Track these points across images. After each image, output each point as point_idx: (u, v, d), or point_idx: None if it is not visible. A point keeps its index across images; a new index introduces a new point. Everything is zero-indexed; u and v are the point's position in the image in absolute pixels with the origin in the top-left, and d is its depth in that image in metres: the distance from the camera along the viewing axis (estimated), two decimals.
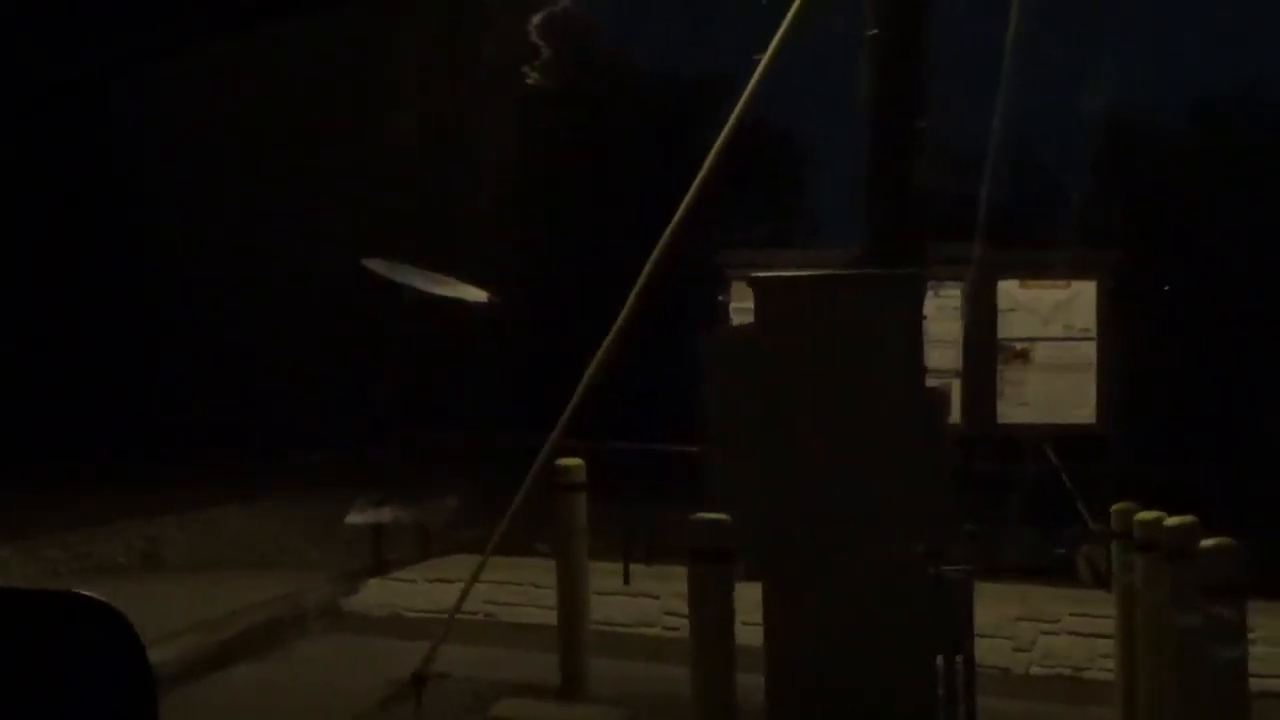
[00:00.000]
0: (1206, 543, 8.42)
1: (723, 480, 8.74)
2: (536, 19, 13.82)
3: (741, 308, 12.60)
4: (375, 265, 15.19)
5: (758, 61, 9.99)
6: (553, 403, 10.70)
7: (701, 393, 8.98)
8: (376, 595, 14.06)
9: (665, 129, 22.51)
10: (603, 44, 23.58)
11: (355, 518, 14.80)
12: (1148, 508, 9.73)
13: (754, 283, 9.00)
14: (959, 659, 8.37)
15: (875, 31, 9.48)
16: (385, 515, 14.81)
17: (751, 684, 8.63)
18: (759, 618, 8.66)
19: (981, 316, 13.54)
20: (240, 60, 16.25)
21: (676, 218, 10.11)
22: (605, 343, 10.32)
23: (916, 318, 8.73)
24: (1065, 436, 13.80)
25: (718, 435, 8.83)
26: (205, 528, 16.59)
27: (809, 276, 9.14)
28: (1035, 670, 11.86)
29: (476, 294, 15.86)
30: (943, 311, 13.28)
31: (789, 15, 9.75)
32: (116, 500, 16.70)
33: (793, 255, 15.35)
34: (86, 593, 2.41)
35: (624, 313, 10.23)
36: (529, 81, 14.92)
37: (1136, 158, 24.30)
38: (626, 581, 13.26)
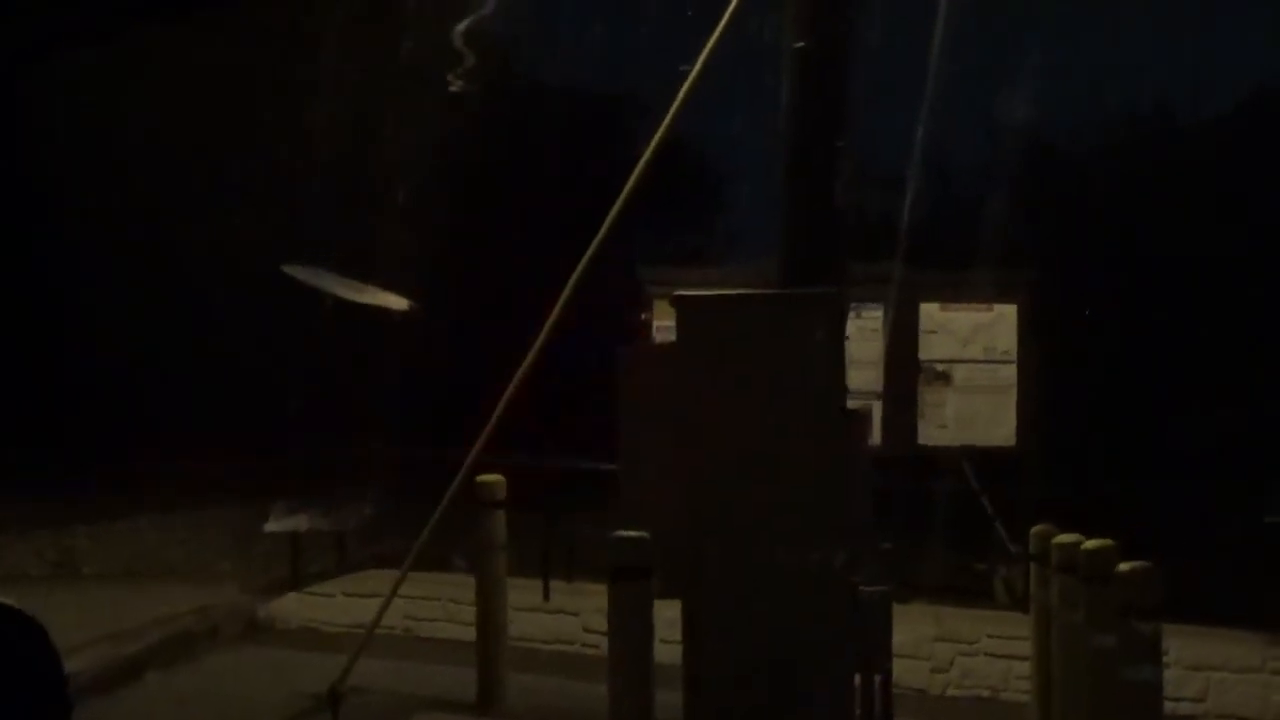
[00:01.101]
0: (1123, 566, 8.47)
1: (638, 497, 8.71)
2: (461, 25, 13.72)
3: (664, 325, 12.59)
4: (295, 271, 15.12)
5: (683, 74, 9.95)
6: (471, 416, 10.64)
7: (619, 408, 8.94)
8: (294, 608, 13.97)
9: (587, 141, 22.50)
10: (522, 55, 23.56)
11: (273, 524, 14.74)
12: (1066, 530, 9.77)
13: (676, 300, 8.98)
14: (876, 679, 8.38)
15: (801, 44, 9.45)
16: (302, 522, 14.74)
17: (670, 701, 8.61)
18: (678, 635, 8.63)
19: (902, 338, 13.57)
20: (154, 54, 16.12)
21: (601, 232, 10.07)
22: (527, 357, 10.28)
23: (838, 338, 8.73)
24: (985, 458, 13.84)
25: (633, 451, 8.80)
26: (118, 537, 16.45)
27: (731, 295, 9.12)
28: (953, 691, 11.92)
29: (397, 302, 15.82)
30: (864, 332, 13.31)
31: (719, 26, 9.73)
32: (27, 509, 16.53)
33: (715, 272, 15.33)
34: (1, 599, 2.38)
35: (546, 327, 10.19)
36: (452, 89, 14.83)
37: (1057, 178, 24.43)
38: (546, 598, 13.23)
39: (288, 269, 15.10)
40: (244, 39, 19.08)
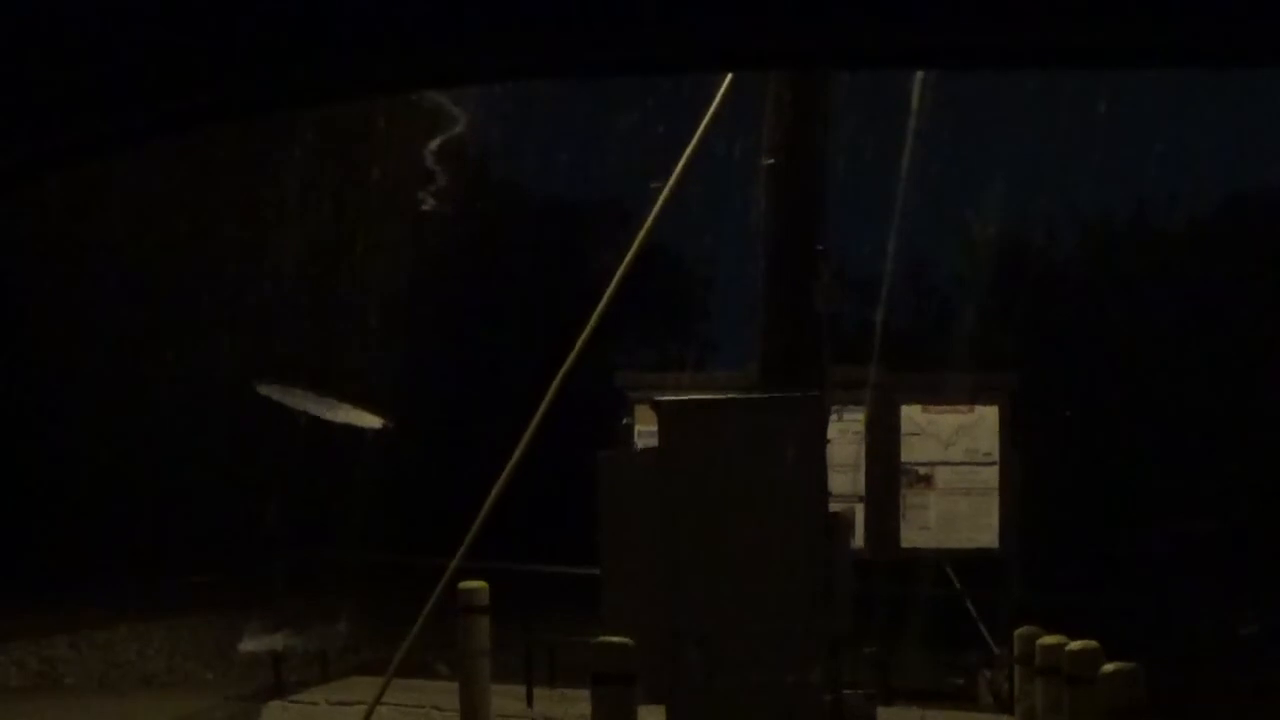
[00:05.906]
0: (1107, 667, 8.45)
1: (621, 602, 8.70)
2: (433, 144, 13.78)
3: (646, 430, 12.58)
4: (270, 391, 15.18)
5: (655, 190, 10.01)
6: (453, 524, 10.62)
7: (601, 514, 8.95)
8: (278, 717, 13.87)
9: (556, 252, 22.67)
10: (493, 169, 23.77)
11: (249, 644, 14.68)
12: (1050, 631, 9.78)
13: (657, 405, 9.01)
14: None
15: (772, 161, 9.56)
16: (278, 642, 14.69)
17: None
18: None
19: (884, 440, 13.57)
20: (123, 174, 16.19)
21: (582, 339, 10.09)
22: (509, 464, 10.27)
23: (819, 441, 8.75)
24: (968, 560, 13.82)
25: (615, 556, 8.79)
26: (100, 647, 16.37)
27: (712, 399, 9.16)
28: None
29: (371, 420, 15.84)
30: (846, 435, 13.30)
31: (691, 144, 9.80)
32: (6, 619, 16.45)
33: (695, 377, 15.37)
34: None
35: (527, 433, 10.19)
36: (423, 207, 14.88)
37: (1039, 282, 24.61)
38: (529, 704, 13.17)
39: (262, 388, 15.18)
40: (218, 165, 19.24)
